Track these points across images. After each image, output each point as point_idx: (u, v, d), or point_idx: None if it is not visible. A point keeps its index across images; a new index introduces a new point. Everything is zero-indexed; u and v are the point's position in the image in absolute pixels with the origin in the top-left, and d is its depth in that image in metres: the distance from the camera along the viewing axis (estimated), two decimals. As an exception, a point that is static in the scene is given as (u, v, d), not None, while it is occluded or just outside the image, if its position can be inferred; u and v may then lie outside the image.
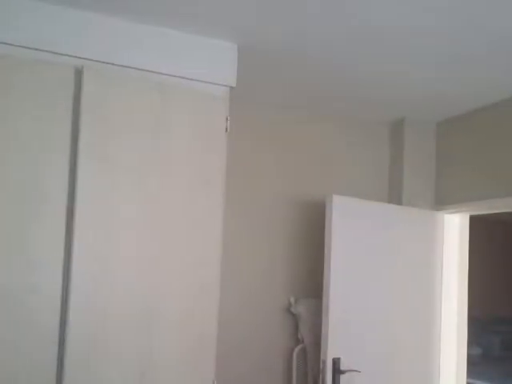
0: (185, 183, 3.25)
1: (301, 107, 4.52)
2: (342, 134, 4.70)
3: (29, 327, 2.89)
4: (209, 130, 3.34)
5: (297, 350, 4.30)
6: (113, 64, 3.17)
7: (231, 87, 3.45)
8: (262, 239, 4.30)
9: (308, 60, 3.65)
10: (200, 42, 3.38)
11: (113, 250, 3.06)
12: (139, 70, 3.22)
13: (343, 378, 3.96)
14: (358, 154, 4.75)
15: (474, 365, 6.54)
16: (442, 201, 4.69)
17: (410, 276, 4.43)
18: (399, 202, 4.67)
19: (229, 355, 4.01)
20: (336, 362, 3.93)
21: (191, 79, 3.34)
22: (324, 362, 3.91)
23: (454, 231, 4.72)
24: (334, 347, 3.95)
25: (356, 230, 4.14)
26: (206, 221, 3.31)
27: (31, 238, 2.91)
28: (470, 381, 5.22)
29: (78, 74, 3.03)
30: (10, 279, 2.86)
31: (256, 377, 4.18)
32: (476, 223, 5.20)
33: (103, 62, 3.14)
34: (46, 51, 3.02)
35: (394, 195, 4.78)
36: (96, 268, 3.02)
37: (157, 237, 3.17)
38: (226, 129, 3.38)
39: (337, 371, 3.93)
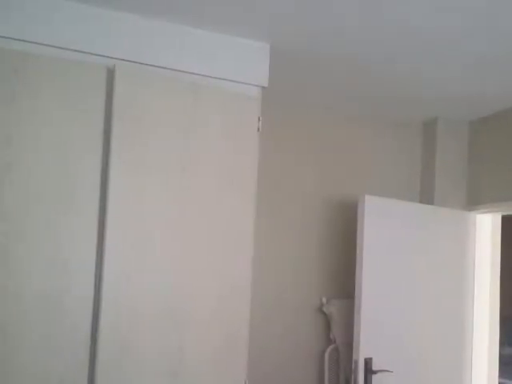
0: (216, 183, 3.18)
1: (333, 107, 4.42)
2: (375, 134, 4.60)
3: (62, 327, 2.84)
4: (241, 130, 3.26)
5: (329, 350, 4.21)
6: (145, 64, 3.10)
7: (263, 87, 3.37)
8: (294, 239, 4.21)
9: (343, 60, 3.56)
10: (232, 42, 3.30)
11: (144, 250, 3.00)
12: (171, 70, 3.15)
13: (375, 378, 3.88)
14: (390, 154, 4.65)
15: (506, 364, 6.40)
16: (474, 201, 4.57)
17: (441, 276, 4.32)
18: (431, 202, 4.56)
19: (260, 355, 3.93)
20: (368, 362, 3.84)
21: (223, 79, 3.27)
22: (356, 362, 3.83)
23: (485, 231, 4.60)
24: (365, 347, 3.87)
25: (388, 230, 4.04)
26: (238, 221, 3.23)
27: (64, 240, 2.85)
28: (502, 380, 5.11)
29: (110, 73, 2.97)
30: (44, 280, 2.81)
31: (288, 377, 4.09)
32: (508, 223, 5.07)
33: (135, 62, 3.07)
34: (79, 51, 2.96)
35: (426, 195, 4.66)
36: (127, 269, 2.96)
37: (188, 237, 3.10)
38: (258, 129, 3.30)
39: (369, 371, 3.85)
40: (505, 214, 4.60)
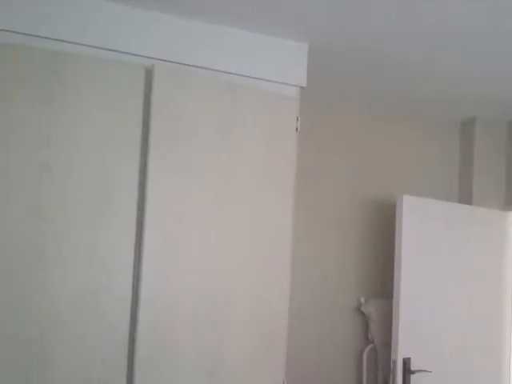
0: (254, 183, 3.09)
1: (371, 107, 4.29)
2: (413, 134, 4.47)
3: (100, 327, 2.77)
4: (279, 130, 3.17)
5: (367, 350, 4.09)
6: (182, 64, 3.03)
7: (301, 87, 3.27)
8: (332, 239, 4.10)
9: (381, 60, 3.46)
10: (270, 42, 3.21)
11: (182, 250, 2.93)
12: (209, 69, 3.07)
13: (413, 378, 3.77)
14: (428, 154, 4.52)
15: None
16: (513, 200, 4.43)
17: (479, 276, 4.20)
18: (469, 202, 4.42)
19: (298, 355, 3.83)
20: (406, 362, 3.73)
21: (261, 79, 3.18)
22: (394, 362, 3.72)
23: (524, 231, 4.45)
24: (404, 347, 3.76)
25: (426, 230, 3.92)
26: (276, 220, 3.14)
27: (102, 240, 2.79)
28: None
29: (149, 73, 2.91)
30: (81, 280, 2.75)
31: (326, 377, 3.99)
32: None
33: (173, 62, 3.00)
34: (117, 51, 2.90)
35: (464, 195, 4.53)
36: (165, 268, 2.89)
37: (226, 237, 3.02)
38: (297, 129, 3.20)
39: (407, 371, 3.74)
40: (544, 213, 4.45)
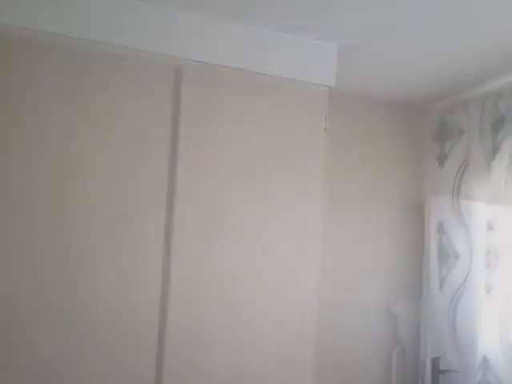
0: (283, 184, 3.01)
1: (398, 106, 4.15)
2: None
3: (127, 343, 2.70)
4: (308, 130, 3.10)
5: (396, 350, 3.96)
6: (212, 64, 2.93)
7: (330, 87, 3.15)
8: (361, 238, 3.96)
9: (408, 60, 3.36)
10: (299, 42, 3.11)
11: (210, 260, 2.85)
12: (238, 69, 2.97)
13: (443, 378, 3.66)
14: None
15: None
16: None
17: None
18: None
19: (326, 356, 3.70)
20: (435, 362, 3.62)
21: (290, 79, 3.07)
22: (423, 362, 3.62)
23: None
24: (433, 347, 3.66)
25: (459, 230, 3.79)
26: (304, 222, 3.06)
27: (130, 253, 2.72)
28: None
29: (178, 74, 2.83)
30: (109, 293, 2.68)
31: (354, 377, 3.86)
32: None
33: (202, 62, 2.90)
34: (147, 51, 2.80)
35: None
36: (193, 280, 2.82)
37: (254, 244, 2.95)
38: (325, 129, 3.11)
39: (436, 371, 3.64)
40: None
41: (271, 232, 2.97)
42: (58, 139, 2.61)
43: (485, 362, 3.55)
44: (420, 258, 3.92)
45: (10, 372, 2.49)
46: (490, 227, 3.63)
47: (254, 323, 2.92)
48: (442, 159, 3.85)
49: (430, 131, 3.98)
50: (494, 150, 3.50)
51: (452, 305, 3.71)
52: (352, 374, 3.82)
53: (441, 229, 3.78)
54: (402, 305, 3.98)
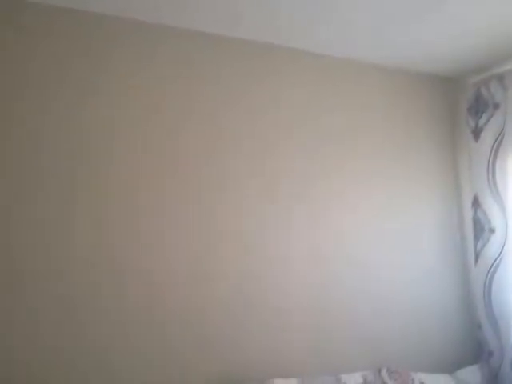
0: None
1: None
2: None
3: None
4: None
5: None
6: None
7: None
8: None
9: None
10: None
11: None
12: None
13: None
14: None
15: None
16: None
17: None
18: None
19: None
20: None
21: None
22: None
23: None
24: None
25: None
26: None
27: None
28: None
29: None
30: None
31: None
32: None
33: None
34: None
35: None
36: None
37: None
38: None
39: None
40: None
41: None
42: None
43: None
44: (456, 232, 3.86)
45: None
46: (526, 200, 3.56)
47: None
48: (477, 133, 3.75)
49: (465, 105, 3.87)
50: (530, 123, 3.42)
51: (487, 279, 3.63)
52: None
53: (476, 202, 3.69)
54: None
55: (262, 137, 3.29)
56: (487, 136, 3.68)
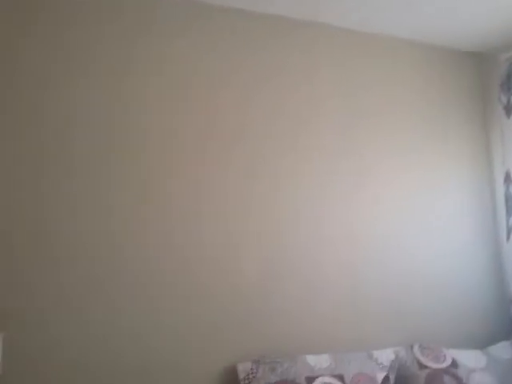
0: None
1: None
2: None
3: None
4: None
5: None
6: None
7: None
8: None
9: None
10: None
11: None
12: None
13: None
14: None
15: None
16: None
17: None
18: None
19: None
20: None
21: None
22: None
23: None
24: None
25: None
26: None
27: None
28: None
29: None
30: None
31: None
32: None
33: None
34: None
35: None
36: None
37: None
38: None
39: None
40: None
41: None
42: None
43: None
44: (488, 208, 3.81)
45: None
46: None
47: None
48: (509, 109, 3.68)
49: (498, 81, 3.79)
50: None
51: (519, 254, 3.60)
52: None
53: (508, 178, 3.64)
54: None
55: (294, 114, 3.28)
56: (519, 112, 3.63)
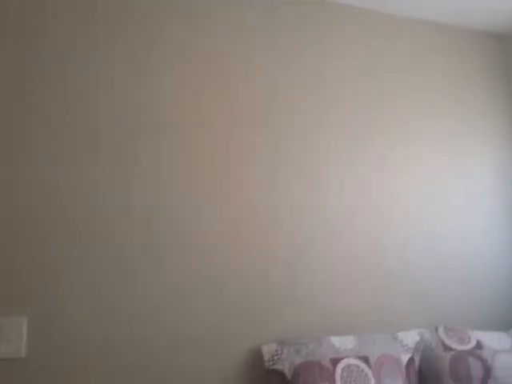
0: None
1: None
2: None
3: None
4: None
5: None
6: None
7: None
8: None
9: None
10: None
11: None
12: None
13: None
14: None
15: None
16: None
17: None
18: None
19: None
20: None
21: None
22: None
23: None
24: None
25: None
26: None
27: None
28: None
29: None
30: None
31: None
32: None
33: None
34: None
35: None
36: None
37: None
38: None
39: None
40: None
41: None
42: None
43: None
44: (512, 190, 3.76)
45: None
46: None
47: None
48: (535, 90, 3.62)
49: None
50: None
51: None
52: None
53: (535, 161, 3.59)
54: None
55: (316, 95, 3.24)
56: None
